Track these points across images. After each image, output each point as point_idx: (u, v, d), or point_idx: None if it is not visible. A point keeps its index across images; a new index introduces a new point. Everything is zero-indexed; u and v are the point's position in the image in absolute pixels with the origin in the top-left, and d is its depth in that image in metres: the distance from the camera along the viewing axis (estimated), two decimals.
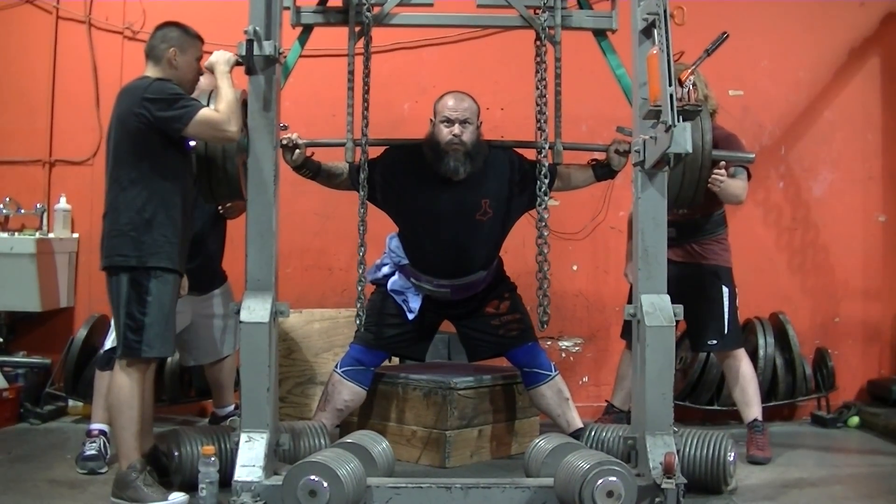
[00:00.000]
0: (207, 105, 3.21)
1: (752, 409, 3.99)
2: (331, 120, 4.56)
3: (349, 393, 3.74)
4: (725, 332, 3.98)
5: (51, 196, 5.02)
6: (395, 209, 3.73)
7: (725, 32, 3.39)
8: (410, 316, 3.77)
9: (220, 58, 3.22)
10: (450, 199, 3.61)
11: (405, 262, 3.78)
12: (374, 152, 3.61)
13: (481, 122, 3.66)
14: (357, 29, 3.44)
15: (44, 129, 5.05)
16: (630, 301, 3.54)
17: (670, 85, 2.73)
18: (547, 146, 3.41)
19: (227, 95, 3.14)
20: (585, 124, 4.89)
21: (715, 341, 4.01)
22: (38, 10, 5.08)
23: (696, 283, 3.95)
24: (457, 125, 3.55)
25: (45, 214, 4.99)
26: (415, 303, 3.78)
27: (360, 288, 3.37)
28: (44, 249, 4.73)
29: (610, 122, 4.72)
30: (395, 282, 3.83)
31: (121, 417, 3.16)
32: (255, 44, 3.05)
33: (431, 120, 3.64)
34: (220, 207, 3.96)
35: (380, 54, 4.16)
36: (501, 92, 4.93)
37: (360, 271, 3.37)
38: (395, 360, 4.39)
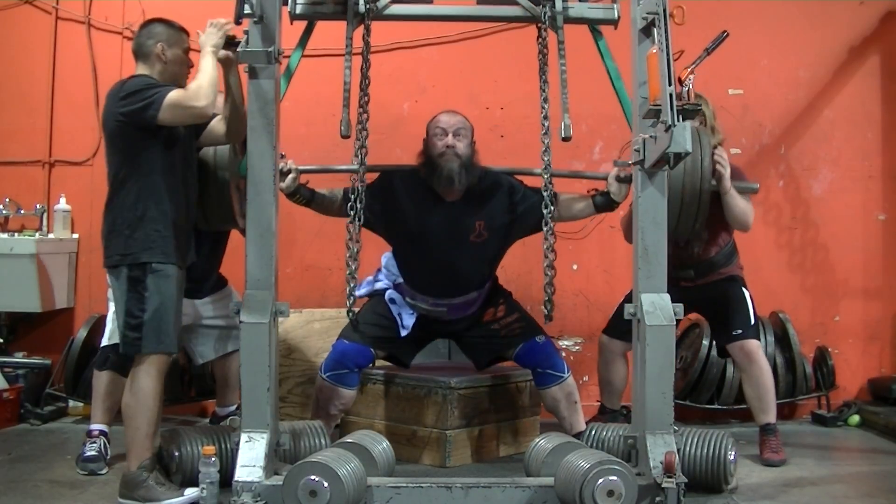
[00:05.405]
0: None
1: (768, 415, 3.97)
2: (330, 119, 4.51)
3: (339, 398, 3.69)
4: (752, 322, 4.00)
5: (50, 196, 5.02)
6: (389, 231, 3.73)
7: (725, 31, 3.39)
8: (403, 332, 3.74)
9: (208, 39, 3.21)
10: (443, 220, 3.62)
11: (401, 280, 3.78)
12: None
13: (475, 142, 3.66)
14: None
15: (43, 129, 5.05)
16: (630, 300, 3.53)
17: (670, 84, 2.73)
18: (548, 175, 3.35)
19: (203, 71, 3.14)
20: (585, 123, 4.89)
21: (741, 331, 3.99)
22: (38, 11, 5.08)
23: (718, 290, 4.00)
24: (450, 135, 3.57)
25: (45, 215, 4.99)
26: (409, 320, 3.76)
27: (352, 265, 3.29)
28: (44, 250, 4.73)
29: (610, 120, 4.75)
30: (392, 293, 3.81)
31: (138, 417, 3.16)
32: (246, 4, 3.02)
33: (425, 140, 3.65)
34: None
35: (379, 54, 4.15)
36: (501, 91, 4.93)
37: (351, 268, 3.31)
38: None
